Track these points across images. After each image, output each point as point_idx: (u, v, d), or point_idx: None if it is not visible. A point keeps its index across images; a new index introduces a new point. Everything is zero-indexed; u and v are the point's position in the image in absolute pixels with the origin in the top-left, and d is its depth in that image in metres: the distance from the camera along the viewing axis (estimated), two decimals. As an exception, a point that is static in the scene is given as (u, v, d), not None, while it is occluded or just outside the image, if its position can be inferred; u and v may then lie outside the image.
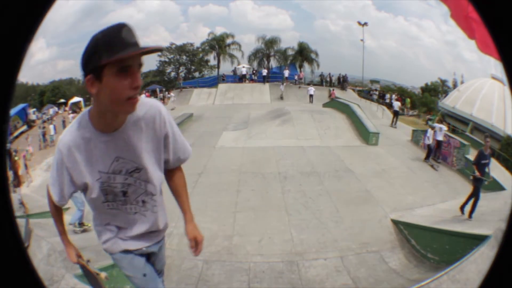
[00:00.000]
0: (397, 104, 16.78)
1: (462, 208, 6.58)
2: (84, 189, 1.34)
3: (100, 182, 1.31)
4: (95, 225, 1.53)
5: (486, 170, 6.67)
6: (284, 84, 23.37)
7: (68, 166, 1.26)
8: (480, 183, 6.42)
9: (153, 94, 26.78)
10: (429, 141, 10.95)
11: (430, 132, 11.12)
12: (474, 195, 6.36)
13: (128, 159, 1.30)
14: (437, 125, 12.63)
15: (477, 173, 6.41)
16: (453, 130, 19.04)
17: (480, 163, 6.51)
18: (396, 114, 16.42)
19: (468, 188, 9.26)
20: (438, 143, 11.42)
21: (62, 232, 1.55)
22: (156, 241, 1.57)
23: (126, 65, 1.05)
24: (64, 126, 17.69)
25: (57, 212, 1.49)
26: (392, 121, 16.39)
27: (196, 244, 1.46)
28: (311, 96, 21.40)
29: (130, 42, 1.05)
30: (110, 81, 1.05)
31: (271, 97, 23.08)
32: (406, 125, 18.50)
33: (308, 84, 26.33)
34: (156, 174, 1.40)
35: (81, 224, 6.37)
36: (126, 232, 1.47)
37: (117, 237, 1.47)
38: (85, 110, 1.27)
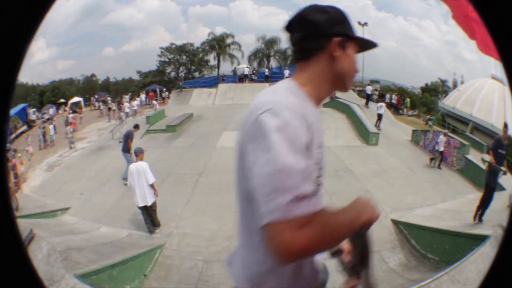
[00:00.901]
0: (369, 89, 20.70)
1: (480, 216, 5.91)
2: None
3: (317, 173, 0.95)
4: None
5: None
6: None
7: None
8: (495, 176, 5.56)
9: (154, 93, 26.83)
10: (440, 147, 10.85)
11: (441, 138, 11.02)
12: (486, 196, 5.74)
13: (324, 148, 1.01)
14: (378, 104, 15.74)
15: (492, 160, 5.42)
16: (453, 130, 19.06)
17: (498, 152, 5.54)
18: (367, 97, 20.02)
19: (468, 188, 9.30)
20: (379, 116, 14.97)
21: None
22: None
23: (358, 51, 1.07)
24: (66, 126, 17.39)
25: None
26: (366, 103, 19.48)
27: None
28: None
29: None
30: (352, 55, 1.05)
31: (271, 97, 23.06)
32: (406, 125, 18.52)
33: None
34: None
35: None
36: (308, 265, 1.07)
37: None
38: (284, 80, 1.04)
